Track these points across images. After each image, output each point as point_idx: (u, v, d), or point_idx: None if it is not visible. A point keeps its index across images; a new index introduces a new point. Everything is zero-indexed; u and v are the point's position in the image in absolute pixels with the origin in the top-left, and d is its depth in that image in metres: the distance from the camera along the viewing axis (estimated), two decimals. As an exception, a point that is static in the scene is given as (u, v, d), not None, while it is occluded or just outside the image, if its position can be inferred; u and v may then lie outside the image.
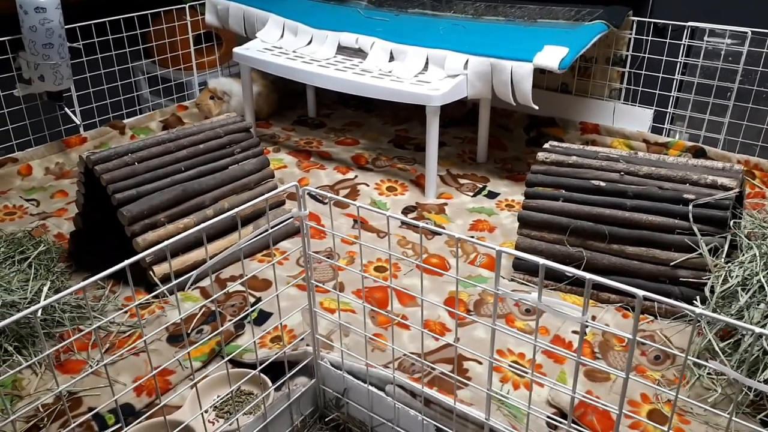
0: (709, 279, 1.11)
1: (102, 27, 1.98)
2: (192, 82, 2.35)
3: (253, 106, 2.09)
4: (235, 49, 1.98)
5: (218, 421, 0.98)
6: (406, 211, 1.66)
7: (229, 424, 0.93)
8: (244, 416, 0.95)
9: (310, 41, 1.98)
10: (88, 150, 1.93)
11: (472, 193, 1.75)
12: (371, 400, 0.95)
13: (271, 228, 0.87)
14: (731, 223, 1.14)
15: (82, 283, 0.72)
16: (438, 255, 1.46)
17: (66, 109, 1.90)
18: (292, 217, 0.87)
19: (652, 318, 1.20)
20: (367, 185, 1.78)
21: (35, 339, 1.10)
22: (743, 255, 1.10)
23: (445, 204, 1.70)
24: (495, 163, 1.94)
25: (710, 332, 1.02)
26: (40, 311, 1.09)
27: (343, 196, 1.72)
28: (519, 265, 1.36)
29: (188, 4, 2.28)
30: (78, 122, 1.93)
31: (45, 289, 1.12)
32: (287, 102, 2.42)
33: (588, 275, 0.64)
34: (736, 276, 1.04)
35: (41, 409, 0.98)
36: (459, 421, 0.88)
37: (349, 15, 2.08)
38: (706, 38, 1.76)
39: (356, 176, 1.84)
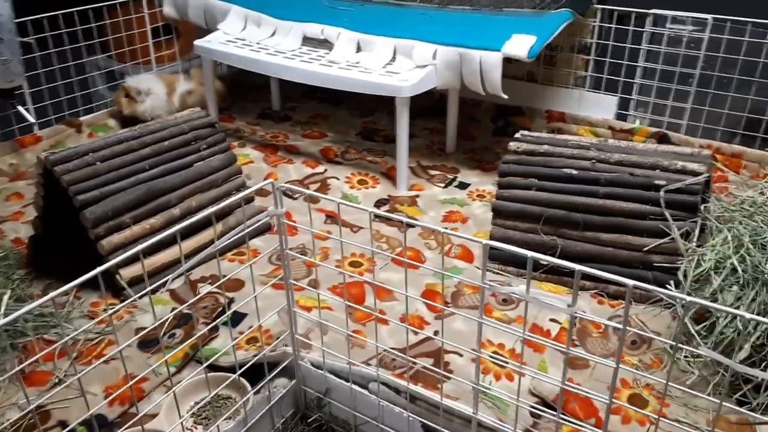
0: (682, 263, 1.12)
1: (55, 20, 1.89)
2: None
3: (215, 99, 2.04)
4: (197, 42, 1.92)
5: (197, 428, 0.95)
6: (379, 204, 1.64)
7: (208, 425, 0.90)
8: (223, 422, 0.92)
9: (274, 32, 1.93)
10: (43, 149, 1.86)
11: (443, 185, 1.74)
12: (354, 399, 0.93)
13: (248, 227, 0.84)
14: (701, 208, 1.16)
15: (52, 294, 0.68)
16: (412, 248, 1.45)
17: (19, 107, 1.81)
18: (269, 216, 0.85)
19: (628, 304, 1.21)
20: (338, 179, 1.76)
21: (-3, 350, 1.05)
22: (714, 239, 1.12)
23: (417, 196, 1.68)
24: (464, 154, 1.93)
25: (686, 316, 1.04)
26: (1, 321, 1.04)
27: (314, 191, 1.69)
28: (493, 256, 1.36)
29: None
30: (32, 120, 1.84)
31: (5, 298, 1.06)
32: (250, 95, 2.37)
33: (577, 267, 0.63)
34: (709, 259, 1.06)
35: (8, 426, 0.93)
36: (445, 416, 0.87)
37: (312, 5, 2.04)
38: (668, 25, 1.79)
39: (326, 170, 1.81)
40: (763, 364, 0.95)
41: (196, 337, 0.94)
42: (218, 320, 1.15)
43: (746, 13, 1.66)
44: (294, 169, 1.81)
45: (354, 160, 1.88)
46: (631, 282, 0.61)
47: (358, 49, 1.78)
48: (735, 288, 1.02)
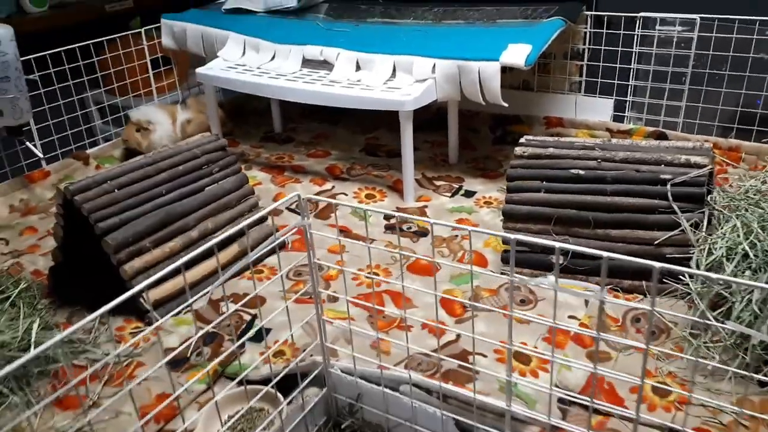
0: (693, 254, 1.15)
1: (57, 57, 1.94)
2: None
3: (219, 125, 2.07)
4: (198, 70, 1.96)
5: (233, 441, 0.96)
6: (388, 216, 1.67)
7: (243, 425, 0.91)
8: (259, 433, 0.94)
9: (274, 56, 1.97)
10: (52, 184, 1.89)
11: (449, 194, 1.77)
12: (387, 402, 0.95)
13: (275, 241, 0.87)
14: (708, 199, 1.19)
15: (86, 319, 0.70)
16: (427, 255, 1.47)
17: (27, 143, 1.84)
18: (296, 227, 0.87)
19: (641, 297, 1.24)
20: (346, 194, 1.79)
21: (29, 378, 1.06)
22: (722, 227, 1.15)
23: (425, 206, 1.71)
24: (467, 164, 1.97)
25: (702, 304, 1.07)
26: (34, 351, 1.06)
27: (323, 208, 1.72)
28: (507, 258, 1.38)
29: (135, 30, 2.24)
30: (40, 156, 1.87)
31: (35, 326, 1.08)
32: (251, 120, 2.41)
33: (605, 253, 0.66)
34: (720, 247, 1.09)
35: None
36: (478, 412, 0.89)
37: (309, 28, 2.09)
38: (657, 27, 1.84)
39: (333, 186, 1.84)
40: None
41: (230, 351, 0.96)
42: (245, 337, 1.16)
43: (732, 11, 1.72)
44: (302, 187, 1.84)
45: (360, 175, 1.91)
46: (658, 264, 0.63)
47: (358, 68, 1.82)
48: (748, 273, 1.05)
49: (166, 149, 1.44)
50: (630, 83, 1.92)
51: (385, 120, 2.16)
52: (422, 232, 1.59)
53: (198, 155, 1.45)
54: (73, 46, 1.97)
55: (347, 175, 1.91)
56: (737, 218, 1.11)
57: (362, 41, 1.88)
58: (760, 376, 0.84)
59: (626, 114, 1.97)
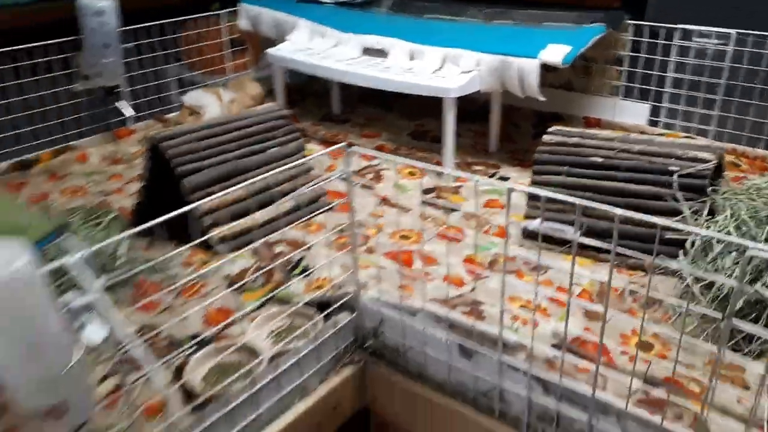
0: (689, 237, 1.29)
1: (146, 32, 2.20)
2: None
3: (284, 99, 2.29)
4: (269, 50, 2.19)
5: (275, 344, 1.17)
6: (426, 191, 1.86)
7: (285, 344, 1.12)
8: (297, 343, 1.14)
9: (337, 43, 2.18)
10: (137, 140, 2.16)
11: (485, 176, 1.94)
12: (404, 328, 1.14)
13: (322, 180, 1.07)
14: (709, 190, 1.33)
15: (184, 247, 0.91)
16: (456, 227, 1.65)
17: (117, 103, 2.11)
18: (341, 174, 1.07)
19: (643, 273, 1.39)
20: (389, 170, 1.98)
21: (116, 286, 1.30)
22: (718, 216, 1.28)
23: (461, 186, 1.89)
24: (505, 153, 2.13)
25: (691, 281, 1.21)
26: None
27: (370, 180, 1.92)
28: (528, 234, 1.54)
29: (217, 11, 2.49)
30: (130, 115, 2.14)
31: (126, 242, 1.32)
32: (312, 102, 2.63)
33: (618, 210, 0.83)
34: (712, 231, 1.23)
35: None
36: (477, 338, 1.06)
37: (370, 20, 2.29)
38: (695, 39, 1.96)
39: (379, 163, 2.04)
40: (753, 316, 1.11)
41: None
42: (293, 272, 1.37)
43: (765, 28, 1.82)
44: (352, 161, 2.04)
45: (405, 155, 2.10)
46: (660, 221, 0.80)
47: (411, 58, 2.01)
48: (733, 254, 1.19)
49: (236, 115, 1.66)
50: (666, 90, 2.05)
51: (432, 109, 2.34)
52: (453, 208, 1.77)
53: (263, 121, 1.67)
54: (159, 22, 2.23)
55: (394, 154, 2.10)
56: (730, 208, 1.25)
57: (417, 34, 2.07)
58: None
59: (660, 119, 2.09)
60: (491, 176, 1.95)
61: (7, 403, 0.64)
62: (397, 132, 2.31)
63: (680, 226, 0.85)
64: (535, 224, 1.45)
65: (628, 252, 0.98)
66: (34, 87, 1.95)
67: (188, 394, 1.06)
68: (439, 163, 1.99)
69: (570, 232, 0.86)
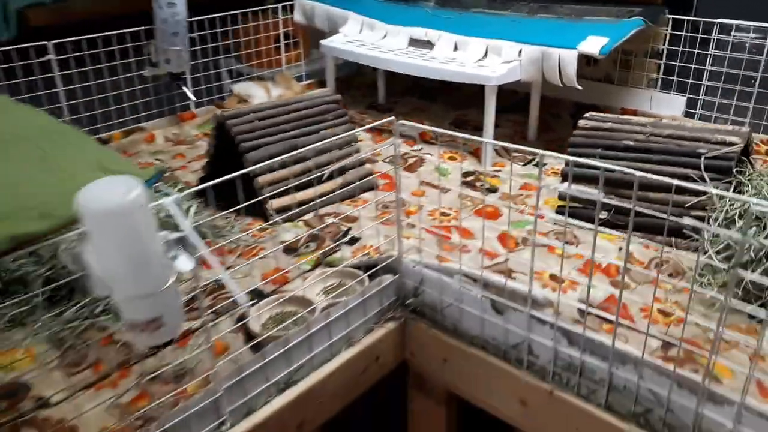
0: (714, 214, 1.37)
1: (203, 24, 2.37)
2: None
3: (335, 87, 2.44)
4: (322, 41, 2.33)
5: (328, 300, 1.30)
6: (466, 175, 1.97)
7: (335, 296, 1.25)
8: (346, 299, 1.27)
9: (385, 35, 2.31)
10: (197, 124, 2.34)
11: (522, 163, 2.04)
12: (441, 287, 1.26)
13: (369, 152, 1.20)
14: (735, 171, 1.41)
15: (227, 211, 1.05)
16: (493, 205, 1.76)
17: (184, 88, 2.29)
18: (390, 144, 1.20)
19: (670, 249, 1.47)
20: (431, 155, 2.10)
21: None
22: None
23: (499, 171, 2.00)
24: (543, 142, 2.22)
25: (713, 252, 1.29)
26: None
27: (411, 164, 2.04)
28: (561, 211, 1.64)
29: (271, 6, 2.65)
30: (194, 99, 2.32)
31: (193, 207, 1.47)
32: (359, 92, 2.77)
33: (638, 173, 0.93)
34: (735, 208, 1.31)
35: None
36: (508, 296, 1.18)
37: (418, 13, 2.42)
38: (732, 33, 2.02)
39: (422, 148, 2.16)
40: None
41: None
42: (341, 241, 1.51)
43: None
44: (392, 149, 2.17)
45: (446, 142, 2.21)
46: (676, 182, 0.90)
47: (455, 49, 2.13)
48: (755, 228, 1.27)
49: (295, 97, 1.81)
50: (703, 83, 2.11)
51: (474, 100, 2.45)
52: (492, 189, 1.87)
53: (317, 104, 1.82)
54: (216, 15, 2.39)
55: (435, 141, 2.22)
56: (754, 187, 1.32)
57: (461, 26, 2.18)
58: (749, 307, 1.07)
59: (697, 111, 2.15)
60: (528, 162, 2.05)
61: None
62: (439, 121, 2.43)
63: (691, 186, 0.95)
64: (564, 186, 1.55)
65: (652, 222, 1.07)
66: (109, 72, 2.15)
67: (250, 338, 1.20)
68: (478, 150, 2.10)
69: (596, 193, 0.96)
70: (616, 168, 0.95)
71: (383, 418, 1.74)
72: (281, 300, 1.28)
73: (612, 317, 1.17)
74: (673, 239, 1.47)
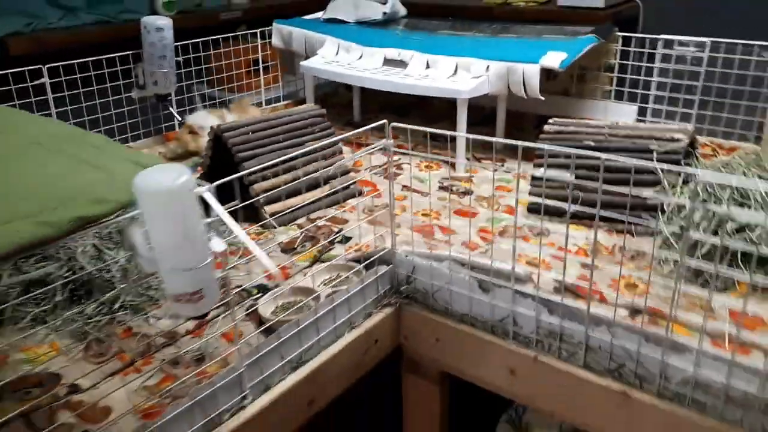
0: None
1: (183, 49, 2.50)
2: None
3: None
4: (302, 63, 2.48)
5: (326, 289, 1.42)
6: (443, 181, 2.12)
7: (338, 284, 1.37)
8: (346, 288, 1.40)
9: (361, 56, 2.48)
10: (179, 143, 2.44)
11: (493, 168, 2.21)
12: (432, 272, 1.40)
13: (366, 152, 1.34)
14: (683, 163, 1.60)
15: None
16: (470, 206, 1.92)
17: (170, 108, 2.40)
18: (382, 146, 1.34)
19: (630, 236, 1.64)
20: (409, 164, 2.25)
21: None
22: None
23: (472, 176, 2.16)
24: (510, 150, 2.40)
25: (667, 231, 1.47)
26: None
27: (387, 175, 2.18)
28: (532, 209, 1.81)
29: (241, 33, 2.78)
30: (180, 120, 2.43)
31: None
32: (335, 110, 2.92)
33: (604, 155, 1.09)
34: (683, 194, 1.49)
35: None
36: (494, 274, 1.32)
37: (389, 36, 2.59)
38: (675, 47, 2.24)
39: (399, 158, 2.31)
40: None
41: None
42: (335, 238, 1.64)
43: (736, 36, 2.11)
44: (374, 158, 2.32)
45: (422, 152, 2.37)
46: (633, 163, 1.06)
47: (427, 66, 2.30)
48: (701, 211, 1.45)
49: (284, 111, 1.94)
50: (651, 93, 2.33)
51: (445, 115, 2.62)
52: (467, 191, 2.03)
53: (304, 118, 1.95)
54: (190, 41, 2.51)
55: (411, 152, 2.37)
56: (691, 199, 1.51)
57: (432, 47, 2.36)
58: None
59: (647, 118, 2.36)
60: (498, 169, 2.22)
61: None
62: (414, 133, 2.58)
63: (648, 164, 1.11)
64: (540, 172, 1.72)
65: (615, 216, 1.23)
66: (99, 94, 2.24)
67: (261, 326, 1.31)
68: (453, 158, 2.26)
69: (567, 176, 1.12)
70: (586, 151, 1.11)
71: (380, 404, 1.85)
72: (288, 289, 1.40)
73: (583, 297, 1.33)
74: (633, 227, 1.65)
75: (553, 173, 1.23)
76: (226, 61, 2.69)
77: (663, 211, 1.56)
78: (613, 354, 1.19)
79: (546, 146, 1.18)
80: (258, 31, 2.80)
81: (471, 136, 1.32)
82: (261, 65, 2.82)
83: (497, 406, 1.85)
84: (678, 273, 1.08)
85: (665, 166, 1.12)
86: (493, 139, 1.27)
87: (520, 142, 1.18)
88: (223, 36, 2.67)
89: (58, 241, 0.83)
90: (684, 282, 1.39)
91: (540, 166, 1.79)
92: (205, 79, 2.71)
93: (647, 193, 1.16)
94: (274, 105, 2.89)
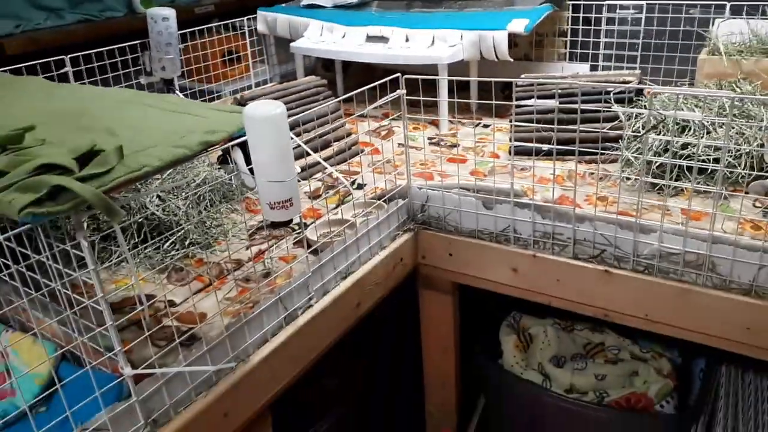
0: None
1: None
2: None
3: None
4: (292, 44, 2.74)
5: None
6: (431, 138, 2.43)
7: (367, 213, 1.66)
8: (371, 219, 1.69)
9: (344, 35, 2.75)
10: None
11: (472, 125, 2.53)
12: (443, 199, 1.70)
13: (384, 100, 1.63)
14: (635, 101, 1.95)
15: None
16: (461, 153, 2.23)
17: (177, 92, 2.62)
18: (397, 95, 1.63)
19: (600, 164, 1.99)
20: (399, 127, 2.55)
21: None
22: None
23: (455, 133, 2.47)
24: (483, 110, 2.73)
25: (630, 155, 1.81)
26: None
27: (383, 136, 2.48)
28: (518, 151, 2.13)
29: (215, 25, 3.01)
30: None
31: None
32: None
33: (575, 105, 1.41)
34: (638, 121, 1.84)
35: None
36: (496, 193, 1.63)
37: (368, 16, 2.87)
38: (618, 11, 2.61)
39: (390, 123, 2.61)
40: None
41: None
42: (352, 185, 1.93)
43: (668, -2, 2.49)
44: (367, 124, 2.61)
45: (408, 116, 2.66)
46: (608, 87, 1.38)
47: (407, 40, 2.59)
48: (654, 134, 1.80)
49: (293, 83, 2.21)
50: (600, 52, 2.69)
51: (424, 86, 2.92)
52: (454, 145, 2.35)
53: (310, 87, 2.22)
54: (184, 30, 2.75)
55: (398, 117, 2.67)
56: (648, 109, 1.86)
57: (408, 22, 2.65)
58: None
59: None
60: (477, 125, 2.54)
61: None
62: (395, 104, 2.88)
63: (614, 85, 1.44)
64: (530, 102, 2.04)
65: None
66: (111, 81, 2.45)
67: (309, 246, 1.59)
68: (435, 121, 2.57)
69: (551, 103, 1.43)
70: (565, 82, 1.43)
71: (403, 320, 2.13)
72: (326, 221, 1.68)
73: (568, 201, 1.66)
74: (598, 157, 1.99)
75: (538, 102, 1.54)
76: (203, 52, 2.89)
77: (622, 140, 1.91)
78: (596, 243, 1.53)
79: (535, 79, 1.49)
80: (230, 22, 3.03)
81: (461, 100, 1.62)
82: (234, 55, 3.04)
83: (499, 314, 2.17)
84: (640, 185, 1.42)
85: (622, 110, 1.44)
86: (479, 102, 1.57)
87: (513, 79, 1.49)
88: (198, 28, 2.89)
89: (190, 159, 1.08)
90: (643, 192, 1.74)
91: (519, 113, 2.12)
92: (184, 70, 2.92)
93: (616, 107, 1.48)
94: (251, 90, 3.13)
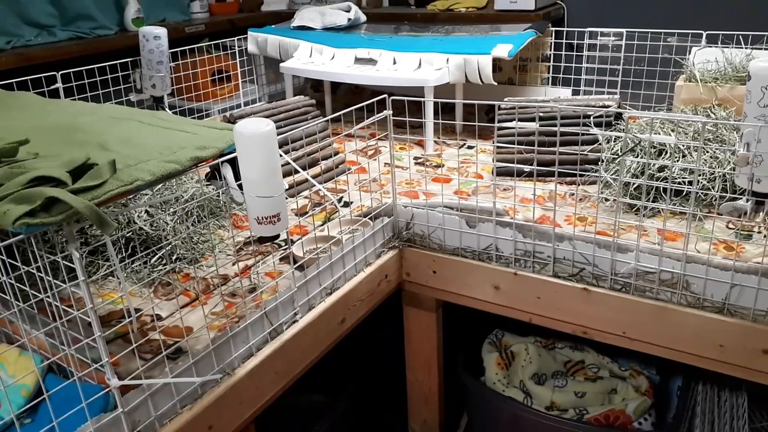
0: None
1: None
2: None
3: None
4: (282, 64, 2.79)
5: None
6: (416, 158, 2.48)
7: (352, 230, 1.70)
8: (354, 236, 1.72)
9: (333, 56, 2.81)
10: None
11: (457, 146, 2.58)
12: (428, 217, 1.74)
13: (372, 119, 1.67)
14: (614, 124, 2.01)
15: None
16: (445, 174, 2.28)
17: (166, 110, 2.65)
18: (383, 116, 1.67)
19: (575, 186, 2.04)
20: (386, 147, 2.60)
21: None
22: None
23: (440, 153, 2.52)
24: (468, 132, 2.79)
25: (609, 178, 1.87)
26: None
27: (369, 156, 2.52)
28: (500, 172, 2.18)
29: (206, 44, 3.06)
30: (175, 118, 2.68)
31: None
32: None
33: (559, 122, 1.46)
34: (616, 145, 1.90)
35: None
36: (479, 213, 1.68)
37: (357, 38, 2.94)
38: (599, 38, 2.69)
39: (376, 142, 2.65)
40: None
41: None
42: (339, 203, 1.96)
43: (650, 25, 2.57)
44: (354, 143, 2.66)
45: (394, 137, 2.72)
46: (586, 109, 1.43)
47: (395, 62, 2.65)
48: (631, 156, 1.85)
49: (282, 102, 2.26)
50: (582, 77, 2.77)
51: (410, 108, 2.98)
52: (439, 165, 2.40)
53: (299, 107, 2.27)
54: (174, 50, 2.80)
55: (384, 138, 2.72)
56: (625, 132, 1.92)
57: (396, 46, 2.72)
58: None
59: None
60: (461, 146, 2.60)
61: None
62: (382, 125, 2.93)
63: (597, 109, 1.49)
64: (512, 125, 2.09)
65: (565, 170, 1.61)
66: (101, 98, 2.48)
67: (295, 262, 1.62)
68: (421, 141, 2.62)
69: (533, 126, 1.48)
70: (547, 105, 1.48)
71: (385, 335, 2.15)
72: (312, 237, 1.71)
73: (548, 221, 1.70)
74: (578, 179, 2.05)
75: (521, 125, 1.59)
76: (193, 70, 2.93)
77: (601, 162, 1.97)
78: (575, 261, 1.57)
79: (516, 103, 1.55)
80: (220, 42, 3.08)
81: (460, 121, 1.67)
82: (224, 74, 3.09)
83: (482, 332, 2.20)
84: (618, 187, 1.47)
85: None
86: (483, 122, 1.63)
87: (495, 102, 1.54)
88: (189, 47, 2.94)
89: (181, 174, 1.11)
90: (621, 212, 1.79)
91: (501, 136, 2.17)
92: (173, 88, 2.95)
93: (595, 130, 1.54)
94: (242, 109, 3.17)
